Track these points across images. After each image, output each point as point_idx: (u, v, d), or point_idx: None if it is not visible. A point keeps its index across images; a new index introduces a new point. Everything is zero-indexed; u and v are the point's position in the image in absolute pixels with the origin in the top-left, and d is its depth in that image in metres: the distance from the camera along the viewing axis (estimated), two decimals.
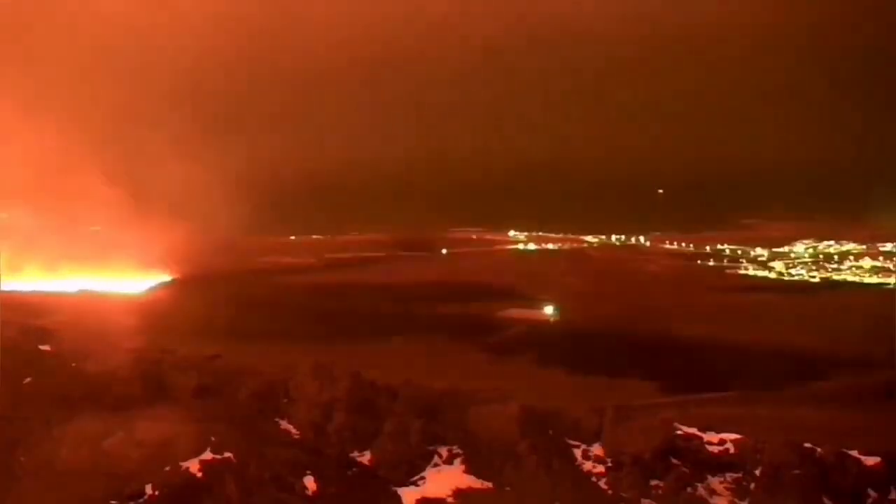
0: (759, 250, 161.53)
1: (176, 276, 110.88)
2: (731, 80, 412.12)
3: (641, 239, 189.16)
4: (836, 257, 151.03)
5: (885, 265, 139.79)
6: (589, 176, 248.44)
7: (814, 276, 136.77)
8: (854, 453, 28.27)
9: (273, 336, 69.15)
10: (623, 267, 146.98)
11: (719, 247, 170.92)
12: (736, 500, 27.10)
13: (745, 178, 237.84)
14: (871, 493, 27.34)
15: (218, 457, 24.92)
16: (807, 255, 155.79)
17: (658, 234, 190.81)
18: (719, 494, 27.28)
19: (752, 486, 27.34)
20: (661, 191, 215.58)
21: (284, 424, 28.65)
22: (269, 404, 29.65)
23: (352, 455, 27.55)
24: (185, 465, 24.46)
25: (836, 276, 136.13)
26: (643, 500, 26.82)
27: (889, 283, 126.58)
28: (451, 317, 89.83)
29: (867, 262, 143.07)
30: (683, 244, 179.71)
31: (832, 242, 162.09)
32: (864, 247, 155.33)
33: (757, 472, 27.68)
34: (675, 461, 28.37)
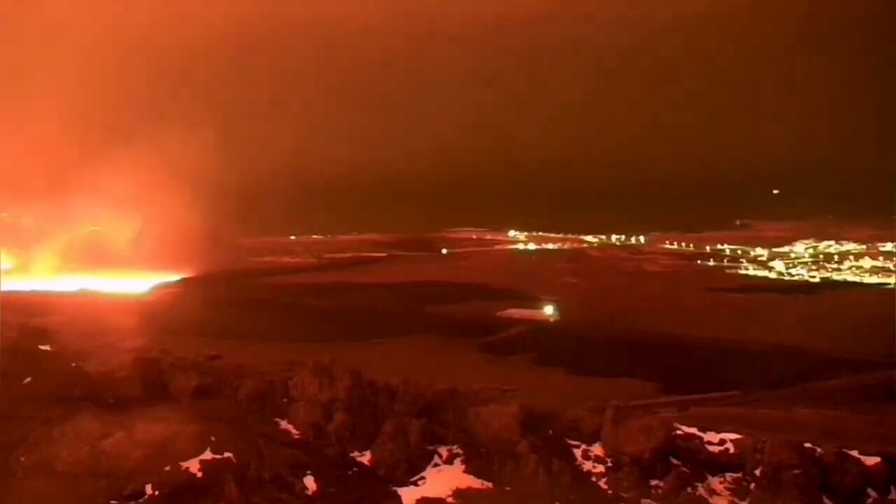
0: (759, 250, 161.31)
1: (176, 275, 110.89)
2: (731, 81, 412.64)
3: (641, 239, 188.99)
4: (836, 257, 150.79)
5: (885, 265, 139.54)
6: (589, 176, 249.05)
7: (814, 276, 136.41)
8: (854, 453, 28.27)
9: (273, 336, 69.06)
10: (623, 267, 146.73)
11: (719, 247, 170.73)
12: (736, 500, 27.10)
13: (746, 178, 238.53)
14: (871, 493, 27.34)
15: (218, 457, 24.96)
16: (807, 255, 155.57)
17: (658, 234, 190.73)
18: (719, 494, 27.28)
19: (752, 486, 27.32)
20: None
21: (284, 424, 28.69)
22: (269, 404, 29.70)
23: (352, 455, 27.57)
24: (185, 465, 24.50)
25: (836, 276, 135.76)
26: (643, 500, 26.83)
27: (889, 283, 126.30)
28: (452, 317, 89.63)
29: (867, 262, 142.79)
30: (683, 244, 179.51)
31: (832, 242, 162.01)
32: (864, 247, 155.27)
33: (757, 472, 27.67)
34: (675, 461, 28.38)
